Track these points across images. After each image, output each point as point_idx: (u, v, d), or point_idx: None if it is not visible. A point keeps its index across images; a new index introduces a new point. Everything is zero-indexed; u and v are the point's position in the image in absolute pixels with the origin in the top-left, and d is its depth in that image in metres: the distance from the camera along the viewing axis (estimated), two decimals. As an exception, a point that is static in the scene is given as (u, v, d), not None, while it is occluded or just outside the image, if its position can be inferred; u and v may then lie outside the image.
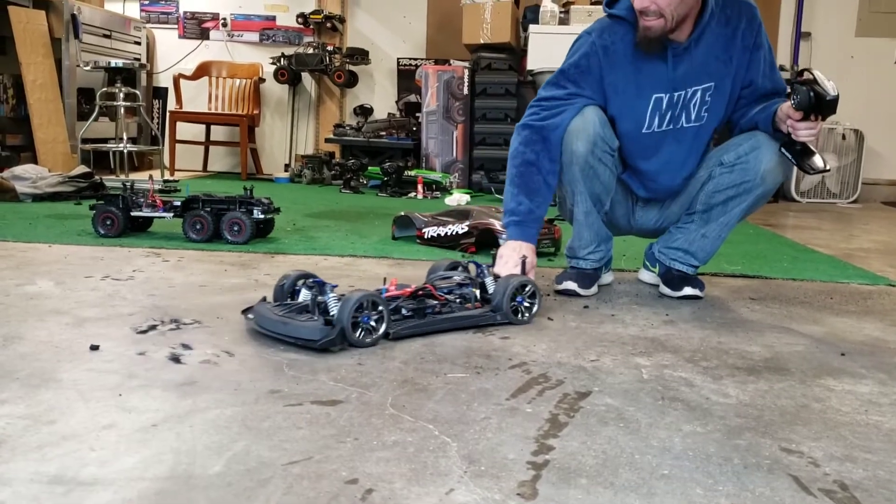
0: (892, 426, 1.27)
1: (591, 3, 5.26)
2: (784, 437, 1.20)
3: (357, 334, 1.56)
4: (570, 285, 2.19)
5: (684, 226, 2.22)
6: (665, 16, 1.97)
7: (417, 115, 5.53)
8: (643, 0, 1.96)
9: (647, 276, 2.39)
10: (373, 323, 1.58)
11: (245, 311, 1.72)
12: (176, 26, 6.16)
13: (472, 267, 1.93)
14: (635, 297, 2.22)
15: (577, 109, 2.08)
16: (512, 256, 2.01)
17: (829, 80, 1.86)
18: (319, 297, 1.61)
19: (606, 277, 2.35)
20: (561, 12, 5.18)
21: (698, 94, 2.09)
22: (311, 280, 1.72)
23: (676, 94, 2.09)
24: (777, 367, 1.57)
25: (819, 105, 1.87)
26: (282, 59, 5.76)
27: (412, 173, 5.03)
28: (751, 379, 1.49)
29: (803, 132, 1.94)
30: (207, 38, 6.14)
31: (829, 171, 2.04)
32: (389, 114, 5.81)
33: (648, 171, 2.19)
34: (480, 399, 1.31)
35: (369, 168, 5.18)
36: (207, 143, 5.97)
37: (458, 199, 4.55)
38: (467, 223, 2.86)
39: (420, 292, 1.73)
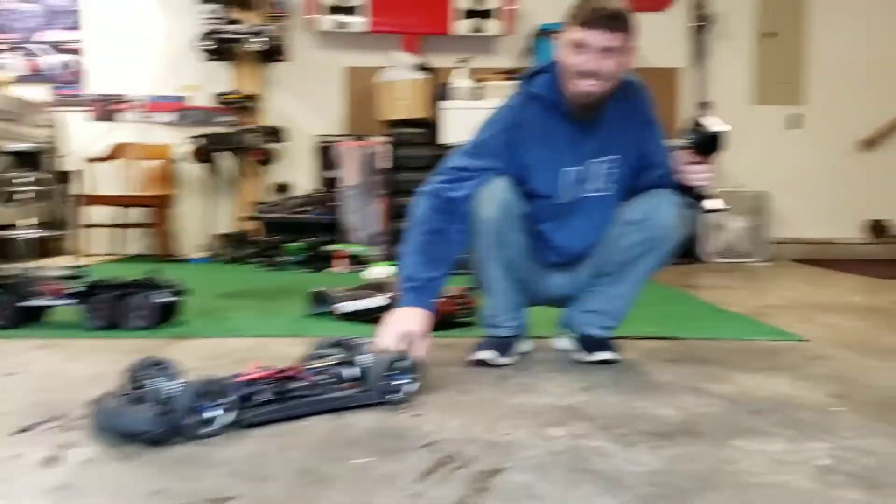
0: (800, 485, 1.26)
1: (505, 79, 5.39)
2: (695, 504, 1.18)
3: (197, 424, 1.47)
4: (486, 354, 2.16)
5: (596, 288, 2.23)
6: (607, 81, 2.03)
7: (338, 189, 5.52)
8: (592, 63, 2.00)
9: (563, 342, 2.38)
10: (218, 411, 1.49)
11: (93, 402, 1.61)
12: (86, 108, 6.05)
13: (352, 343, 1.85)
14: (552, 364, 2.21)
15: (486, 180, 2.09)
16: (396, 327, 1.95)
17: (716, 120, 1.95)
18: (165, 384, 1.51)
19: (524, 345, 2.33)
20: (475, 88, 5.29)
21: (604, 165, 2.15)
22: (158, 366, 1.62)
23: (585, 165, 2.14)
24: (690, 430, 1.56)
25: (707, 142, 1.95)
26: (197, 139, 5.69)
27: (333, 247, 4.99)
28: (664, 444, 1.47)
29: (698, 175, 2.01)
30: (120, 119, 6.04)
31: (725, 209, 2.11)
32: (310, 190, 5.79)
33: (558, 239, 2.21)
34: (385, 486, 1.25)
35: (289, 244, 5.11)
36: (122, 225, 5.82)
37: (379, 272, 4.51)
38: (384, 295, 2.82)
39: (284, 374, 1.65)
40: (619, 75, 2.08)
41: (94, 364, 2.17)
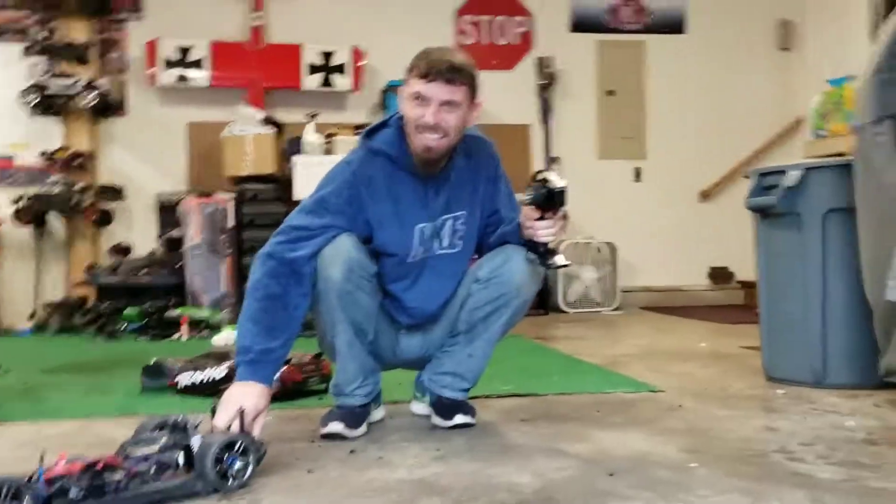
0: (663, 555, 1.20)
1: (355, 133, 5.32)
2: (554, 588, 1.08)
3: None
4: (336, 427, 2.02)
5: (449, 349, 2.15)
6: (449, 135, 1.96)
7: (181, 250, 5.23)
8: (433, 116, 1.93)
9: (419, 406, 2.28)
10: None
11: None
12: None
13: (181, 424, 1.66)
14: (406, 431, 2.09)
15: (329, 239, 1.97)
16: (231, 404, 1.77)
17: (558, 176, 1.94)
18: None
19: (377, 413, 2.20)
20: (325, 143, 5.19)
21: (451, 222, 2.10)
22: None
23: (434, 222, 2.08)
24: (547, 498, 1.48)
25: (550, 198, 1.94)
26: (23, 200, 5.26)
27: (176, 312, 4.69)
28: (521, 517, 1.38)
29: (543, 231, 1.98)
30: (-68, 180, 5.52)
31: (569, 265, 2.10)
32: (151, 251, 5.46)
33: (408, 298, 2.12)
34: None
35: (126, 311, 4.76)
36: (-67, 296, 5.27)
37: (227, 336, 4.25)
38: (226, 365, 2.62)
39: (98, 465, 1.45)
40: (464, 130, 2.03)
41: None
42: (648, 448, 1.86)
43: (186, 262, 5.05)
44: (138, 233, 5.66)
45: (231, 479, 1.57)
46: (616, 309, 5.79)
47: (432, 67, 1.94)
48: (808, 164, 2.64)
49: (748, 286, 6.03)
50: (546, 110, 6.13)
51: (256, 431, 1.77)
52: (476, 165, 2.13)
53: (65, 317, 4.95)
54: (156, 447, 1.57)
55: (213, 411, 1.79)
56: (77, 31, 5.53)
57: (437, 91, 1.94)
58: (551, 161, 6.07)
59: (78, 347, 4.21)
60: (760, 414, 2.28)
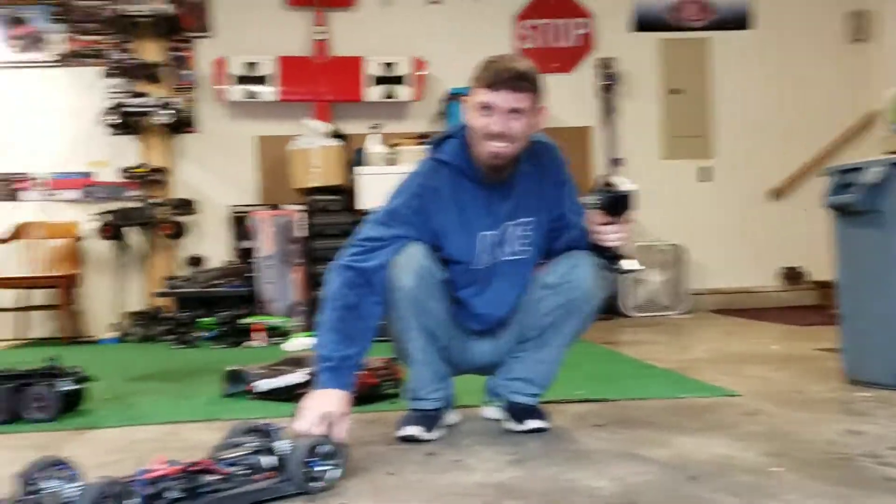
0: (749, 558, 1.19)
1: (418, 143, 5.38)
2: (641, 590, 1.09)
3: None
4: (413, 430, 2.05)
5: (520, 354, 2.16)
6: (516, 142, 1.98)
7: (253, 260, 5.36)
8: (498, 125, 1.95)
9: (491, 411, 2.29)
10: None
11: None
12: (-15, 189, 5.77)
13: (267, 429, 1.71)
14: (480, 436, 2.11)
15: (399, 248, 2.02)
16: (314, 410, 1.83)
17: (624, 180, 1.94)
18: (66, 489, 1.37)
19: (451, 417, 2.23)
20: (388, 153, 5.27)
21: (516, 228, 2.11)
22: (54, 468, 1.48)
23: (501, 229, 2.09)
24: (629, 503, 1.48)
25: (616, 203, 1.93)
26: (104, 215, 5.48)
27: (249, 320, 4.81)
28: (603, 520, 1.39)
29: (610, 236, 1.98)
30: (19, 199, 5.77)
31: (642, 270, 2.08)
32: (224, 262, 5.61)
33: (477, 304, 2.14)
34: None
35: (202, 320, 4.91)
36: (23, 308, 5.50)
37: (299, 343, 4.36)
38: (303, 371, 2.68)
39: (193, 468, 1.52)
40: (529, 136, 2.05)
41: (-19, 467, 1.97)
42: (730, 452, 1.84)
43: (258, 271, 5.17)
44: (211, 244, 5.83)
45: (317, 482, 1.61)
46: (684, 312, 5.71)
47: (497, 76, 1.96)
48: (890, 159, 2.56)
49: (821, 286, 5.89)
50: (608, 111, 6.09)
51: (339, 435, 1.81)
52: (542, 170, 2.14)
53: (145, 326, 5.13)
54: (245, 451, 1.64)
55: (297, 414, 1.85)
56: (150, 51, 5.74)
57: (503, 99, 1.96)
58: (615, 163, 6.03)
59: (159, 355, 4.36)
60: (843, 417, 2.23)
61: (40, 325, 5.63)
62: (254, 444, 1.67)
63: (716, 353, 3.66)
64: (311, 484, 1.60)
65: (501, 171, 2.07)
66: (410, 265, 2.00)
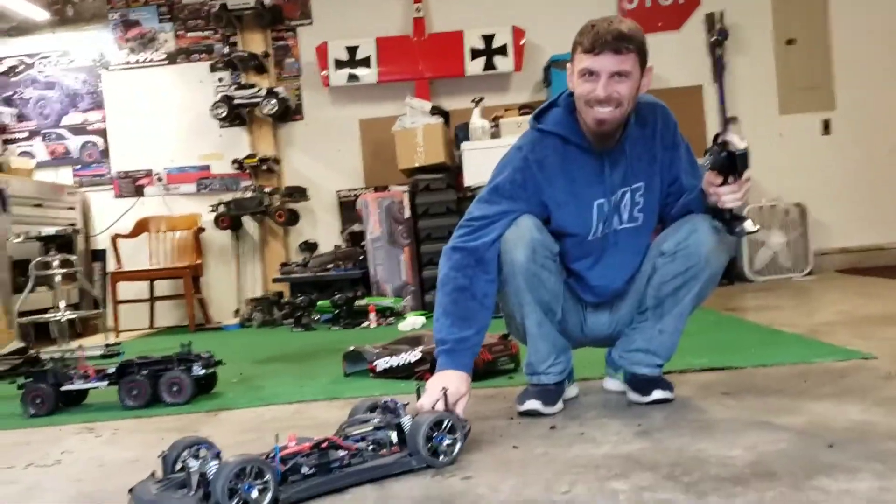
0: (903, 529, 1.13)
1: (520, 114, 5.33)
2: (787, 562, 1.05)
3: None
4: (534, 404, 2.04)
5: (639, 325, 2.11)
6: (623, 105, 1.92)
7: (363, 243, 5.46)
8: (603, 90, 1.90)
9: (612, 383, 2.26)
10: (258, 492, 1.40)
11: (131, 491, 1.51)
12: (110, 187, 6.09)
13: (391, 405, 1.75)
14: (603, 408, 2.08)
15: (508, 223, 1.99)
16: (434, 389, 1.84)
17: (739, 137, 1.85)
18: (207, 467, 1.43)
19: (571, 391, 2.21)
20: (491, 126, 5.23)
21: (629, 195, 2.05)
22: (196, 447, 1.54)
23: (613, 197, 2.04)
24: (764, 472, 1.43)
25: (732, 162, 1.85)
26: (220, 206, 5.69)
27: (363, 302, 4.91)
28: (738, 490, 1.34)
29: (728, 197, 1.89)
30: (142, 194, 6.07)
31: (758, 230, 1.98)
32: (336, 246, 5.74)
33: (592, 276, 2.10)
34: (439, 564, 1.14)
35: (319, 303, 5.04)
36: (152, 299, 5.80)
37: (412, 322, 4.42)
38: (420, 349, 2.72)
39: (324, 444, 1.56)
40: (636, 98, 1.98)
41: (132, 446, 2.09)
42: (870, 418, 1.74)
43: (368, 254, 5.26)
44: (322, 229, 5.97)
45: (442, 456, 1.63)
46: (809, 274, 5.46)
47: (598, 39, 1.89)
48: None
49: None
50: (719, 68, 5.84)
51: (459, 411, 1.82)
52: (652, 133, 2.06)
53: (265, 311, 5.31)
54: (370, 427, 1.67)
55: (420, 392, 1.87)
56: (254, 43, 5.91)
57: (606, 63, 1.89)
58: (728, 121, 5.79)
59: (280, 339, 4.51)
60: None
61: (168, 315, 5.92)
62: (378, 420, 1.71)
63: (847, 316, 3.47)
64: (436, 458, 1.62)
65: (610, 137, 2.01)
66: (522, 239, 1.98)
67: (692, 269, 2.00)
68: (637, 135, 2.05)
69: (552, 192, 2.03)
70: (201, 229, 5.86)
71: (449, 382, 1.87)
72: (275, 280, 5.56)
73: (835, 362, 2.41)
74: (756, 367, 2.43)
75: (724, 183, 1.89)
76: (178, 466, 1.55)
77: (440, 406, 1.79)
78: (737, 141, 1.86)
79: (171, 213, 5.97)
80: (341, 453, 1.58)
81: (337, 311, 4.85)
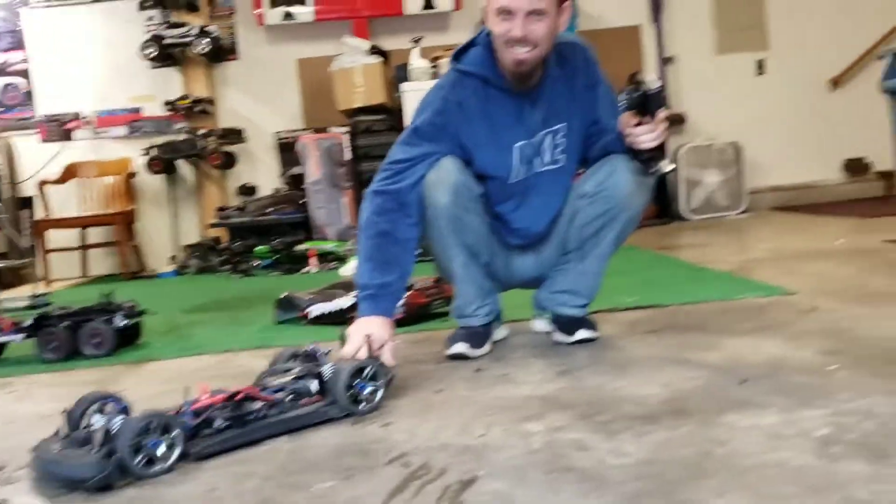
0: (800, 461, 1.15)
1: (460, 53, 5.25)
2: (687, 499, 1.07)
3: (140, 463, 1.34)
4: (461, 347, 2.04)
5: (563, 266, 2.12)
6: (540, 45, 1.89)
7: (303, 186, 5.38)
8: (519, 29, 1.86)
9: (539, 324, 2.27)
10: (166, 447, 1.37)
11: (34, 449, 1.46)
12: (36, 131, 5.86)
13: (312, 353, 1.72)
14: (529, 349, 2.10)
15: (430, 165, 1.96)
16: (355, 335, 1.82)
17: (654, 78, 1.86)
18: (111, 423, 1.38)
19: (500, 332, 2.22)
20: (431, 67, 5.15)
21: (550, 137, 2.03)
22: (102, 402, 1.49)
23: (534, 139, 2.02)
24: (676, 410, 1.45)
25: (645, 101, 1.86)
26: (152, 150, 5.53)
27: (303, 247, 4.85)
28: (649, 429, 1.36)
29: (643, 137, 1.89)
30: (70, 139, 5.86)
31: (673, 170, 2.01)
32: (275, 189, 5.64)
33: (515, 219, 2.09)
34: (345, 512, 1.14)
35: (256, 248, 4.96)
36: (84, 247, 5.65)
37: (353, 266, 4.37)
38: (353, 294, 2.69)
39: (238, 396, 1.52)
40: (555, 38, 1.94)
41: (45, 402, 2.03)
42: (783, 353, 1.78)
43: (309, 197, 5.18)
44: (261, 172, 5.85)
45: (363, 403, 1.62)
46: (744, 212, 5.56)
47: None
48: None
49: (887, 176, 5.65)
50: (656, 7, 5.82)
51: (386, 357, 1.81)
52: (572, 73, 2.04)
53: (202, 258, 5.22)
54: (290, 376, 1.65)
55: (342, 339, 1.85)
56: (185, -20, 5.67)
57: (522, 2, 1.86)
58: (665, 62, 5.79)
59: (216, 286, 4.44)
60: (907, 311, 2.14)
61: (101, 263, 5.78)
62: (298, 369, 1.68)
63: (775, 252, 3.55)
64: (357, 406, 1.61)
65: (529, 78, 1.98)
66: (445, 181, 1.95)
67: (612, 211, 2.01)
68: (557, 75, 2.02)
69: (472, 134, 2.00)
70: (133, 174, 5.69)
71: (372, 328, 1.85)
72: (211, 225, 5.46)
73: (757, 298, 2.46)
74: (682, 305, 2.47)
75: (640, 122, 1.89)
76: (84, 423, 1.51)
77: (364, 353, 1.78)
78: (650, 80, 1.86)
79: (101, 157, 5.78)
80: (258, 405, 1.55)
81: (276, 257, 4.79)
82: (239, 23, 5.85)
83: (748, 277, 2.85)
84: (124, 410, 1.44)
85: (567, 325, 2.11)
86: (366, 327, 1.85)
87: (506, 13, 1.88)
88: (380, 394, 1.66)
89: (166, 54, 5.59)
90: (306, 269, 4.69)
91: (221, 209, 5.43)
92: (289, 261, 4.79)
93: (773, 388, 1.52)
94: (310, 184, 5.19)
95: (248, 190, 5.52)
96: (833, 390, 1.47)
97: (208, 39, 5.51)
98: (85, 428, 1.47)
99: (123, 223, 5.41)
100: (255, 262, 4.95)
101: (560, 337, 2.11)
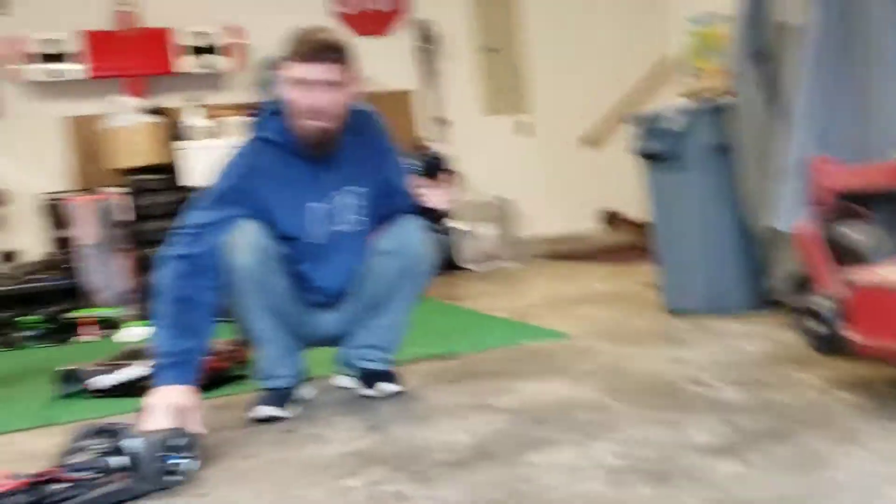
0: (597, 491, 1.30)
1: (240, 114, 5.23)
2: (503, 534, 1.17)
3: None
4: (266, 410, 2.05)
5: (364, 322, 2.20)
6: (335, 115, 2.00)
7: (74, 250, 5.05)
8: (315, 99, 1.95)
9: (344, 380, 2.32)
10: None
11: None
12: None
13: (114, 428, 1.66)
14: (336, 406, 2.14)
15: (233, 228, 1.99)
16: (159, 406, 1.77)
17: (438, 143, 2.04)
18: None
19: (306, 391, 2.24)
20: (212, 126, 5.08)
21: (344, 199, 2.13)
22: None
23: (330, 201, 2.11)
24: (484, 453, 1.57)
25: (431, 165, 2.06)
26: None
27: (76, 314, 4.54)
28: (461, 473, 1.46)
29: (433, 198, 2.07)
30: None
31: (462, 228, 2.21)
32: (45, 254, 5.24)
33: (316, 278, 2.15)
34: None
35: (24, 318, 4.57)
36: None
37: (131, 333, 4.18)
38: (143, 363, 2.58)
39: (39, 479, 1.46)
40: (348, 106, 2.06)
41: None
42: (570, 393, 1.97)
43: (81, 261, 4.87)
44: (27, 237, 5.40)
45: (173, 476, 1.58)
46: (516, 261, 5.94)
47: (308, 49, 1.97)
48: (690, 108, 2.78)
49: (636, 226, 6.30)
50: (431, 73, 6.16)
51: (192, 427, 1.77)
52: (365, 140, 2.16)
53: (-44, 330, 4.72)
54: (92, 454, 1.57)
55: (146, 414, 1.79)
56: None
57: (317, 72, 1.97)
58: (442, 124, 6.13)
59: (-24, 362, 4.03)
60: (666, 347, 2.43)
61: None
62: (101, 445, 1.61)
63: (548, 298, 3.85)
64: (167, 479, 1.57)
65: (324, 145, 2.07)
66: (247, 243, 1.98)
67: (408, 267, 2.13)
68: (351, 141, 2.13)
69: (270, 197, 2.06)
70: None
71: (174, 398, 1.81)
72: (-33, 296, 4.95)
73: (538, 342, 2.68)
74: (478, 353, 2.63)
75: (428, 185, 2.05)
76: None
77: (167, 423, 1.73)
78: (436, 147, 2.03)
79: None
80: (62, 486, 1.47)
81: (46, 326, 4.45)
82: (1, 79, 5.43)
83: (528, 322, 3.09)
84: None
85: (371, 378, 2.18)
86: (168, 397, 1.81)
87: (302, 83, 1.96)
88: (193, 464, 1.63)
89: None
90: (79, 337, 4.39)
91: (-22, 277, 4.95)
92: (60, 330, 4.45)
93: (566, 425, 1.69)
94: (82, 247, 4.88)
95: (9, 256, 5.08)
96: (615, 424, 1.66)
97: (-40, 94, 5.07)
98: None
99: None
100: (22, 333, 4.55)
101: (365, 391, 2.18)
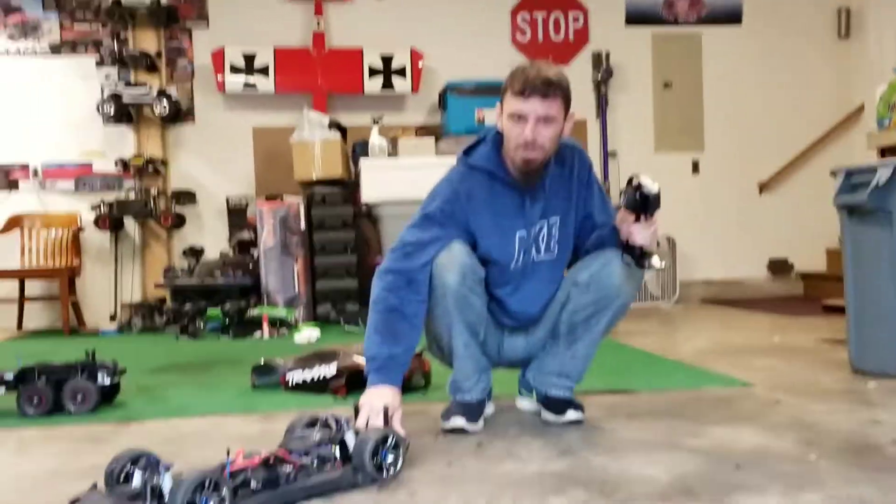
0: (816, 541, 1.30)
1: (417, 136, 5.47)
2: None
3: None
4: (459, 421, 2.15)
5: (553, 349, 2.26)
6: (546, 148, 2.08)
7: (252, 251, 5.41)
8: (531, 133, 2.04)
9: (525, 403, 2.39)
10: None
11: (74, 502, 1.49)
12: (-21, 178, 5.73)
13: (332, 421, 1.80)
14: (522, 426, 2.20)
15: (440, 248, 2.10)
16: (372, 406, 1.94)
17: (652, 180, 2.04)
18: (161, 479, 1.44)
19: (488, 408, 2.33)
20: (389, 145, 5.32)
21: (546, 228, 2.20)
22: (144, 460, 1.55)
23: (533, 230, 2.19)
24: (686, 491, 1.58)
25: (644, 203, 2.04)
26: (102, 206, 5.48)
27: (255, 312, 4.85)
28: (667, 507, 1.49)
29: (638, 234, 2.08)
30: (16, 188, 5.75)
31: (663, 267, 2.21)
32: (222, 253, 5.64)
33: (511, 302, 2.24)
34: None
35: (211, 311, 4.93)
36: (21, 299, 5.48)
37: (307, 335, 4.42)
38: (335, 364, 2.76)
39: (271, 460, 1.60)
40: (558, 141, 2.13)
41: (46, 457, 2.02)
42: (765, 442, 1.95)
43: (261, 263, 5.21)
44: (209, 235, 5.84)
45: (386, 472, 1.70)
46: (675, 302, 5.85)
47: (528, 84, 2.04)
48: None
49: (807, 277, 6.07)
50: (602, 105, 6.19)
51: (397, 427, 1.90)
52: (570, 172, 2.23)
53: (146, 318, 5.15)
54: (316, 442, 1.72)
55: (356, 410, 1.93)
56: (147, 41, 5.74)
57: (534, 107, 2.04)
58: (608, 156, 6.14)
59: (166, 347, 4.38)
60: (860, 407, 2.35)
61: (37, 317, 5.61)
62: (319, 435, 1.75)
63: (718, 344, 3.79)
64: (380, 474, 1.69)
65: (533, 175, 2.16)
66: (454, 263, 2.09)
67: (603, 300, 2.17)
68: (556, 173, 2.20)
69: (478, 223, 2.16)
70: (80, 229, 5.60)
71: (385, 398, 1.95)
72: (157, 285, 5.40)
73: (720, 388, 2.64)
74: (651, 392, 2.63)
75: (637, 221, 2.08)
76: (123, 478, 1.55)
77: (379, 422, 1.87)
78: (649, 183, 2.05)
79: (46, 210, 5.68)
80: (288, 468, 1.61)
81: (227, 321, 4.77)
82: (198, 87, 5.91)
83: (702, 367, 3.05)
84: (167, 468, 1.48)
85: (556, 405, 2.24)
86: (378, 398, 1.95)
87: (518, 117, 2.06)
88: (400, 463, 1.74)
89: (122, 112, 5.61)
90: (257, 334, 4.68)
91: (168, 269, 5.38)
92: (239, 325, 4.77)
93: (767, 473, 1.68)
94: (262, 250, 5.22)
95: (195, 252, 5.50)
96: (821, 478, 1.63)
97: (168, 102, 5.56)
98: (124, 482, 1.51)
99: (67, 277, 5.29)
100: (205, 325, 4.90)
101: (550, 417, 2.24)
